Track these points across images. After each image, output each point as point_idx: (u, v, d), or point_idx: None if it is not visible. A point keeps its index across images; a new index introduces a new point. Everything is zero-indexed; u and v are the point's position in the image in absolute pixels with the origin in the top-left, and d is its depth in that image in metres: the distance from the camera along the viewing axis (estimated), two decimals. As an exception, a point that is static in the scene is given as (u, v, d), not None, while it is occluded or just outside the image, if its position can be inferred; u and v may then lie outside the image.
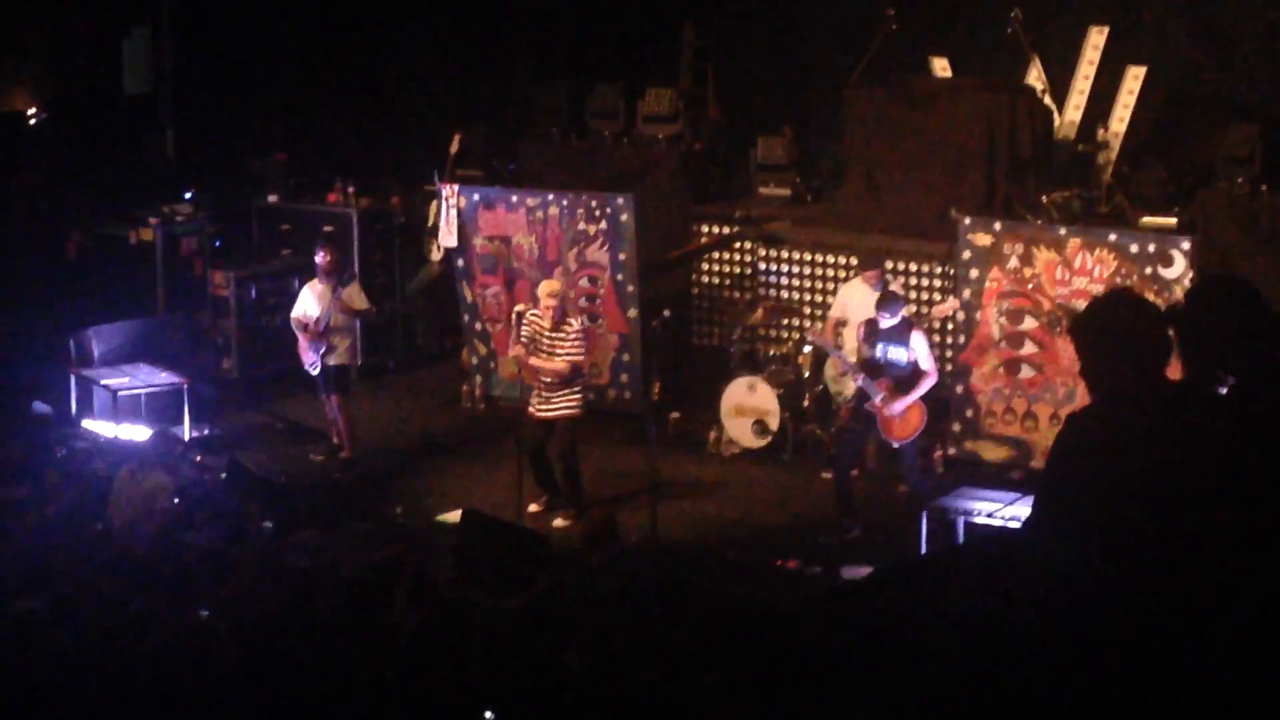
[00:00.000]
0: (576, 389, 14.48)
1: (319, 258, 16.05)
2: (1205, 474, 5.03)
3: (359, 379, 16.76)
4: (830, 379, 15.98)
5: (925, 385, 13.96)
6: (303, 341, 15.97)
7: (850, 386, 15.39)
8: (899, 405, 13.86)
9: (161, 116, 20.99)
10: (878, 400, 13.95)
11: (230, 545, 12.91)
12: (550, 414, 14.37)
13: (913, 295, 16.43)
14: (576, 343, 14.31)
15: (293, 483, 14.99)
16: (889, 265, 16.47)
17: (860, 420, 14.25)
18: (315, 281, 16.07)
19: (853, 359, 14.64)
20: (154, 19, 20.62)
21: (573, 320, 14.48)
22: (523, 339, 14.33)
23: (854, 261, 16.33)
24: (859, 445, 14.67)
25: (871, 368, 14.07)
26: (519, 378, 14.78)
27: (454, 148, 18.31)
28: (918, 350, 13.96)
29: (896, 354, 13.94)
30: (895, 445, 14.18)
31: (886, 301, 14.23)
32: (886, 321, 13.97)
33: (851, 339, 15.20)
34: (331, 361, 15.90)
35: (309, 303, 15.98)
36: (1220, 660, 4.95)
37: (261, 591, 11.06)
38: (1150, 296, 11.93)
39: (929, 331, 15.22)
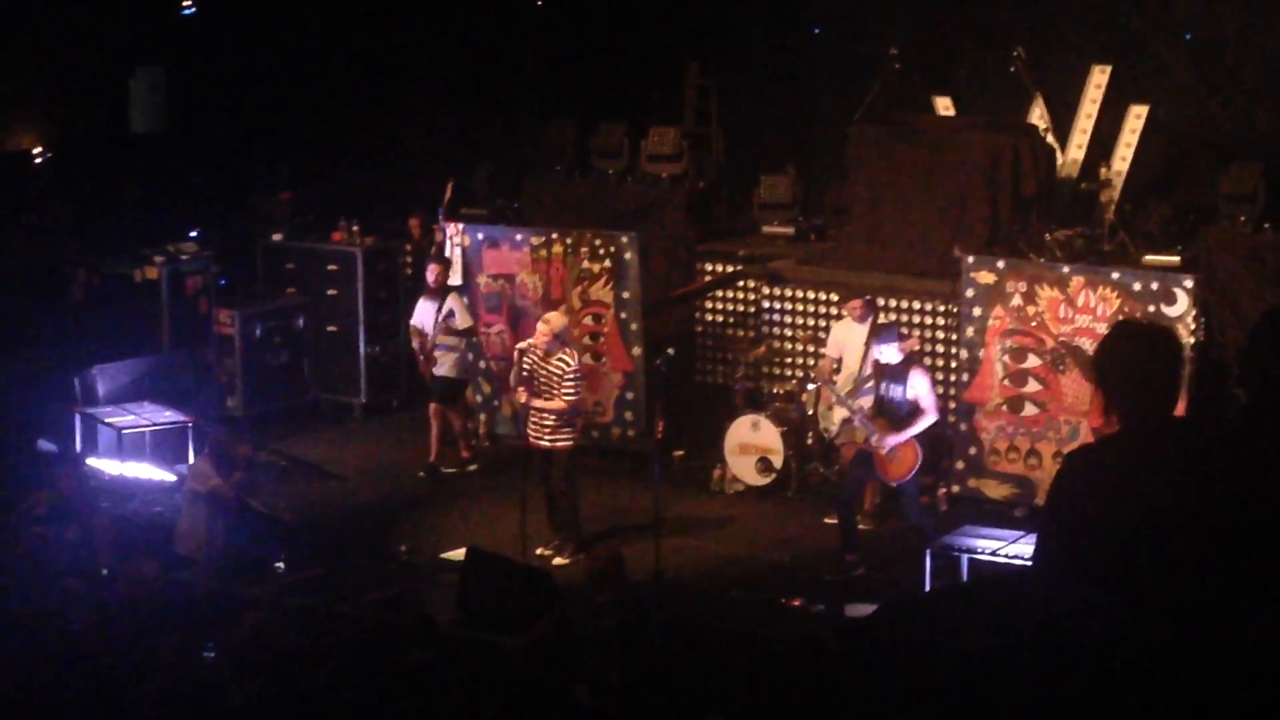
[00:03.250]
0: (573, 422, 14.52)
1: (428, 274, 16.87)
2: (1214, 508, 5.03)
3: (363, 417, 16.83)
4: (819, 413, 15.99)
5: (921, 424, 13.94)
6: (418, 350, 16.88)
7: (837, 419, 15.41)
8: (891, 441, 13.87)
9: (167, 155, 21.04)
10: (873, 439, 13.98)
11: (238, 584, 12.94)
12: (544, 444, 14.41)
13: (915, 334, 16.46)
14: (573, 383, 14.29)
15: (298, 521, 15.00)
16: (892, 303, 16.53)
17: (862, 459, 14.27)
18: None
19: (850, 400, 14.70)
20: (166, 59, 20.67)
21: (568, 358, 14.37)
22: (524, 374, 14.38)
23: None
24: (862, 483, 14.69)
25: (875, 406, 14.11)
26: (521, 413, 14.82)
27: (448, 195, 18.37)
28: (917, 389, 13.97)
29: (896, 392, 13.97)
30: (893, 485, 14.21)
31: (879, 331, 14.32)
32: (881, 352, 14.01)
33: (847, 378, 15.23)
34: (438, 373, 16.72)
35: (422, 314, 16.81)
36: (1226, 697, 4.95)
37: (272, 631, 11.06)
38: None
39: (930, 369, 15.23)
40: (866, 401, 14.50)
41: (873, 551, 14.42)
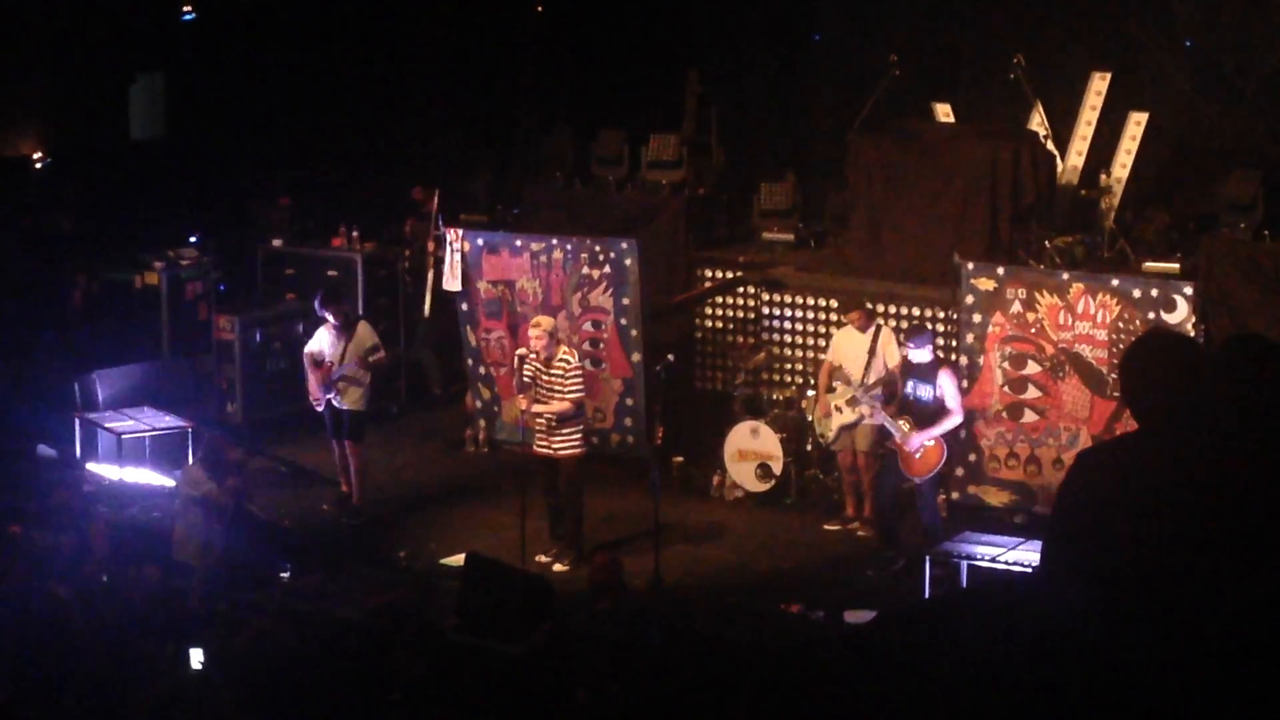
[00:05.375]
0: (578, 427, 14.53)
1: (328, 318, 15.86)
2: (1226, 513, 5.04)
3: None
4: (816, 419, 15.94)
5: (947, 424, 14.01)
6: (313, 379, 15.88)
7: (834, 427, 15.38)
8: (916, 440, 13.91)
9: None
10: (898, 437, 14.01)
11: (238, 590, 12.92)
12: (551, 452, 14.43)
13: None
14: (574, 379, 14.37)
15: (297, 527, 14.99)
16: (891, 310, 16.52)
17: (891, 461, 14.26)
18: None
19: (866, 396, 14.71)
20: (166, 65, 20.69)
21: (569, 356, 14.50)
22: (525, 380, 14.40)
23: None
24: (895, 484, 14.54)
25: (900, 405, 14.14)
26: (521, 421, 14.83)
27: (434, 205, 18.33)
28: (945, 389, 14.04)
29: (924, 391, 14.01)
30: (916, 481, 14.17)
31: (913, 333, 14.34)
32: (914, 354, 14.04)
33: (845, 384, 15.21)
34: (344, 406, 15.76)
35: (324, 342, 15.85)
36: (1223, 706, 4.95)
37: (271, 637, 11.04)
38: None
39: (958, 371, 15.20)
40: (866, 409, 14.54)
41: (870, 557, 14.45)
